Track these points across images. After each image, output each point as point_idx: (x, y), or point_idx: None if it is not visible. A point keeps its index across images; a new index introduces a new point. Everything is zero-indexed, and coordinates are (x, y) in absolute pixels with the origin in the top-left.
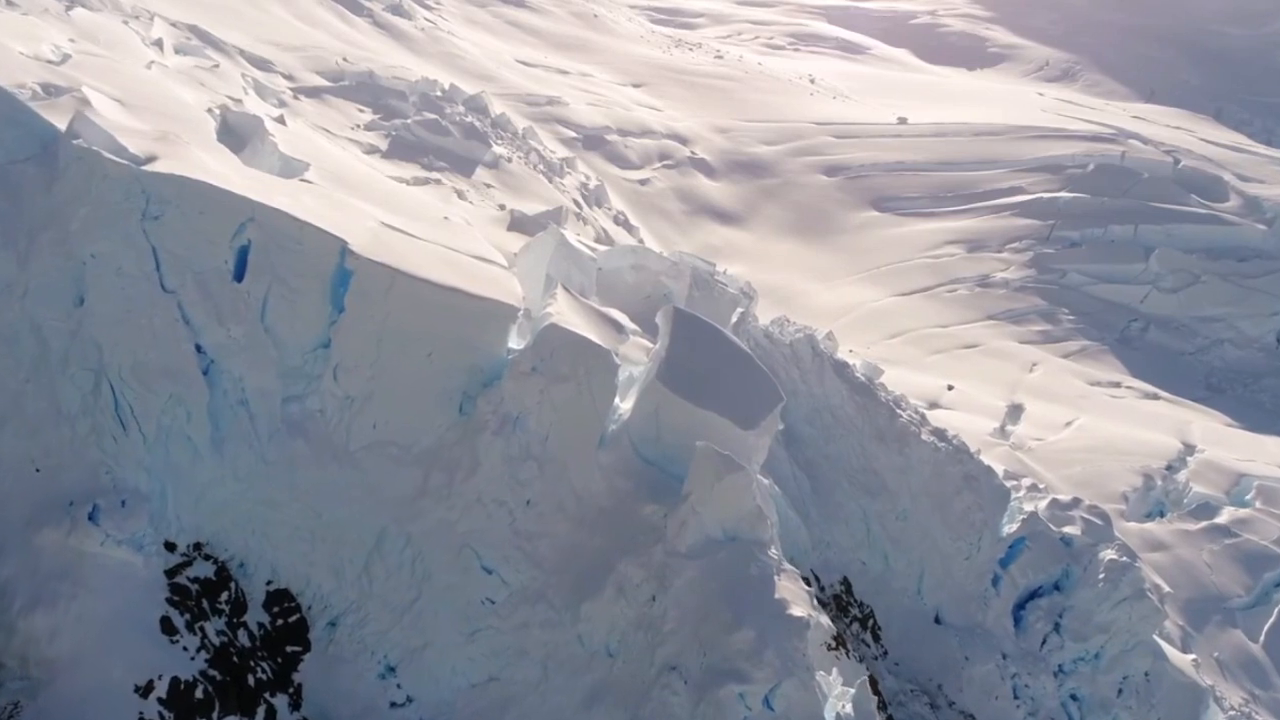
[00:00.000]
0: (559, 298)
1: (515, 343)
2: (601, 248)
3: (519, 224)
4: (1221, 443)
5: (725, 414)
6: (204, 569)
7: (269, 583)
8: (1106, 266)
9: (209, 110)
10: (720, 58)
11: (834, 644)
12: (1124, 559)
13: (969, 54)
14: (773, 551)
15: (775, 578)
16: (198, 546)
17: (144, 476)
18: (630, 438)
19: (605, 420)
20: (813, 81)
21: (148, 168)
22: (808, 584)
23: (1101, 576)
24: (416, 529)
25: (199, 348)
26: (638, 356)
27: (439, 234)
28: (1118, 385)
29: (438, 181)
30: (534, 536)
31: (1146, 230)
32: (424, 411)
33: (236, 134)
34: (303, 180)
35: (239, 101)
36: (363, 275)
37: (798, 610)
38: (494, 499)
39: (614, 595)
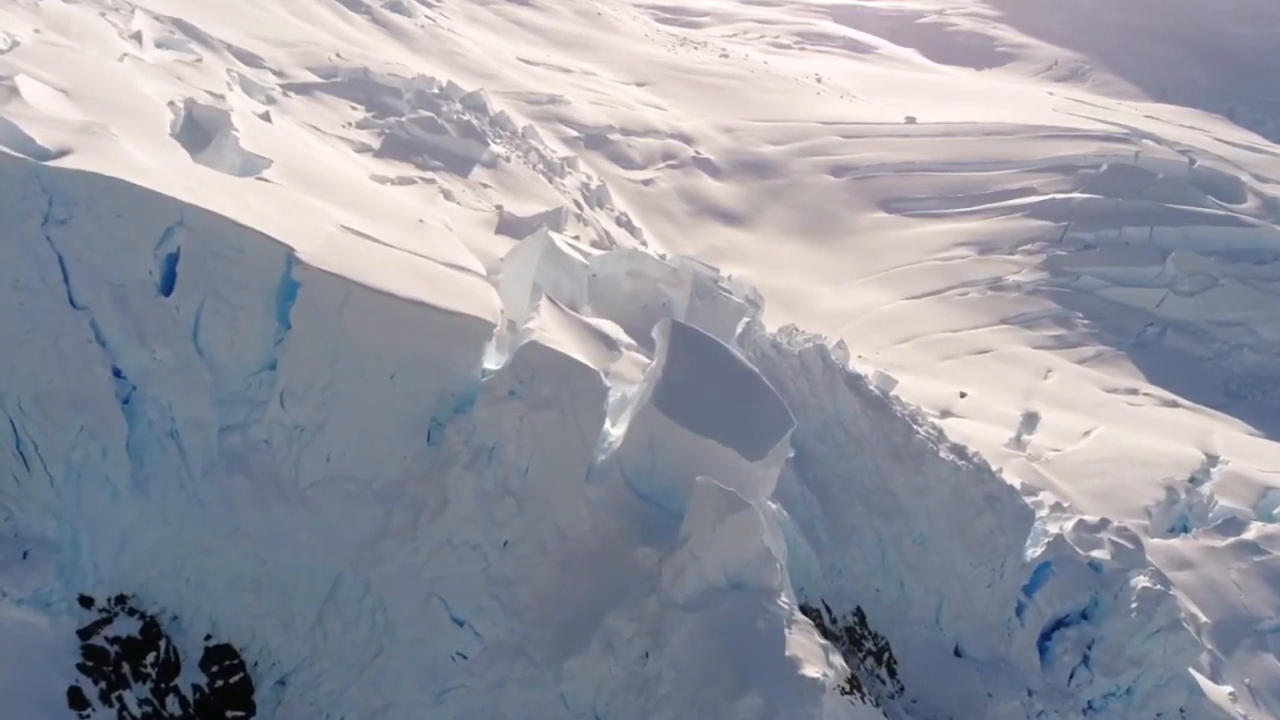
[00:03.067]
0: (543, 310)
1: (492, 362)
2: (597, 252)
3: (509, 226)
4: (1244, 453)
5: (729, 442)
6: (127, 626)
7: (208, 638)
8: (1122, 269)
9: (171, 104)
10: (725, 56)
11: (848, 688)
12: (1158, 587)
13: (977, 53)
14: (783, 599)
15: (785, 631)
16: (120, 600)
17: (52, 523)
18: (622, 470)
19: (593, 450)
20: (819, 81)
21: (54, 163)
22: (819, 618)
23: (1134, 605)
24: (377, 575)
25: (117, 372)
26: (633, 375)
27: (409, 239)
28: (1135, 392)
29: (429, 181)
30: (511, 583)
31: (1162, 232)
32: (385, 442)
33: (202, 130)
34: (259, 179)
35: (220, 97)
36: (312, 287)
37: (811, 670)
38: (466, 541)
39: (602, 651)
